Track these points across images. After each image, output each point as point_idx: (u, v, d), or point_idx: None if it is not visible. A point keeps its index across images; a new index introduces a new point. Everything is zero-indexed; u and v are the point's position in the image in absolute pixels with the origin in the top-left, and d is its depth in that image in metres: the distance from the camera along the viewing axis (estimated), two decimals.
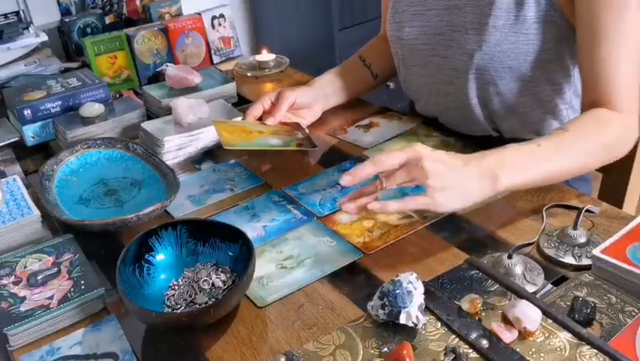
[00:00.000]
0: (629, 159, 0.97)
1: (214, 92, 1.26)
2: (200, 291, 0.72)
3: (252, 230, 0.84)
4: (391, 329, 0.62)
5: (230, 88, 1.29)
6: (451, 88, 1.03)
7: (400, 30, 1.06)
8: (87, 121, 1.13)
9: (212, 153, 1.08)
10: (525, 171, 0.78)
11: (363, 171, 0.75)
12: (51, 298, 0.72)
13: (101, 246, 0.85)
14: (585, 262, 0.71)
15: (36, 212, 0.86)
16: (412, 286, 0.62)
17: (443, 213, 0.79)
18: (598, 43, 0.84)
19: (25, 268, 0.78)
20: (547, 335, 0.59)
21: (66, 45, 1.60)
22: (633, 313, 0.62)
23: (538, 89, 0.97)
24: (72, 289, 0.74)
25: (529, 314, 0.59)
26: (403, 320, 0.61)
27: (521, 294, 0.64)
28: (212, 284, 0.72)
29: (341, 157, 1.02)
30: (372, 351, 0.60)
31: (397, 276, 0.64)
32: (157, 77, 1.43)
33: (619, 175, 1.05)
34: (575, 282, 0.67)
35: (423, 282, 0.65)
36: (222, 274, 0.74)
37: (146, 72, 1.43)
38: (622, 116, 0.85)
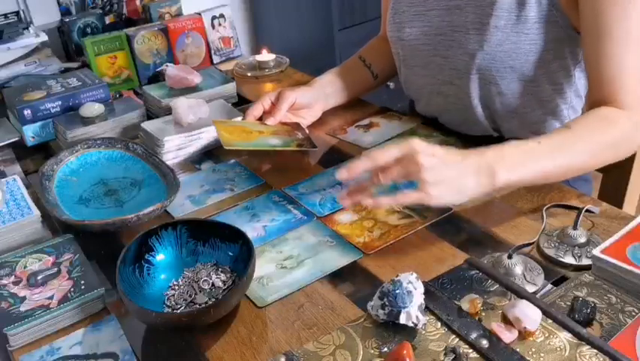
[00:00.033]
0: (629, 159, 0.96)
1: (214, 92, 1.26)
2: (200, 291, 0.72)
3: (252, 230, 0.84)
4: (391, 329, 0.62)
5: (230, 88, 1.29)
6: (452, 88, 1.03)
7: (400, 31, 1.06)
8: (87, 121, 1.13)
9: (212, 153, 1.08)
10: (524, 168, 0.78)
11: (358, 166, 0.75)
12: (51, 298, 0.72)
13: (101, 246, 0.85)
14: (585, 262, 0.71)
15: (36, 212, 0.86)
16: (412, 286, 0.62)
17: (438, 205, 0.79)
18: (603, 41, 0.84)
19: (25, 268, 0.78)
20: (547, 335, 0.59)
21: (66, 45, 1.60)
22: (633, 313, 0.62)
23: (539, 89, 0.97)
24: (72, 289, 0.74)
25: (529, 314, 0.59)
26: (403, 320, 0.61)
27: (521, 294, 0.64)
28: (212, 284, 0.72)
29: (341, 157, 1.02)
30: (372, 351, 0.60)
31: (397, 276, 0.64)
32: (157, 77, 1.43)
33: (619, 175, 1.05)
34: (575, 282, 0.67)
35: (423, 282, 0.65)
36: (222, 274, 0.74)
37: (146, 72, 1.43)
38: (629, 114, 0.84)
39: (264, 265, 0.77)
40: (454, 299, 0.65)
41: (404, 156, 0.74)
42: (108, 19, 1.63)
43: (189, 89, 1.25)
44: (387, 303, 0.62)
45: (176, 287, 0.73)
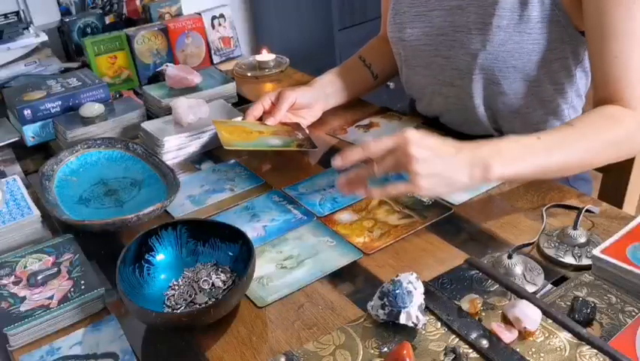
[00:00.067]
0: (629, 159, 0.96)
1: (214, 92, 1.26)
2: (200, 291, 0.72)
3: (252, 230, 0.84)
4: (391, 329, 0.62)
5: (230, 88, 1.29)
6: (453, 89, 1.03)
7: (401, 31, 1.06)
8: (87, 121, 1.13)
9: (212, 153, 1.08)
10: (520, 163, 0.78)
11: (352, 156, 0.77)
12: (51, 298, 0.72)
13: (101, 246, 0.85)
14: (585, 262, 0.71)
15: (36, 212, 0.86)
16: (412, 286, 0.62)
17: (428, 196, 0.80)
18: (608, 41, 0.84)
19: (25, 268, 0.78)
20: (547, 335, 0.59)
21: (66, 45, 1.60)
22: (633, 313, 0.62)
23: (540, 88, 0.97)
24: (72, 289, 0.74)
25: (529, 314, 0.59)
26: (403, 320, 0.61)
27: (521, 294, 0.64)
28: (212, 284, 0.72)
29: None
30: (372, 351, 0.60)
31: (397, 276, 0.64)
32: (157, 77, 1.43)
33: (619, 175, 1.05)
34: (575, 282, 0.67)
35: (423, 282, 0.65)
36: (222, 274, 0.74)
37: (146, 72, 1.43)
38: (635, 113, 0.84)
39: (264, 265, 0.77)
40: (454, 299, 0.65)
41: (396, 146, 0.74)
42: (108, 19, 1.63)
43: (189, 89, 1.25)
44: (387, 303, 0.62)
45: (176, 287, 0.73)
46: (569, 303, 0.64)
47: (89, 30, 1.56)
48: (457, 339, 0.60)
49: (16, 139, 1.19)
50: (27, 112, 1.14)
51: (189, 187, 0.96)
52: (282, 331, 0.67)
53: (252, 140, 1.02)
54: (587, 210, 0.79)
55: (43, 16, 1.59)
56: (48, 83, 1.23)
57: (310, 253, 0.79)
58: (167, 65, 1.34)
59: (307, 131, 1.09)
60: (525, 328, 0.59)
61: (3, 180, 0.95)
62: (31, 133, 1.15)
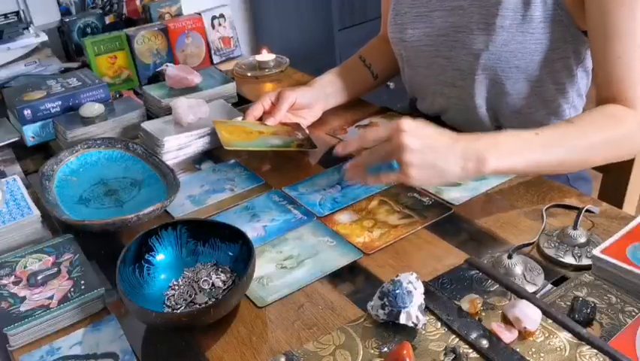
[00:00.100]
0: (629, 159, 0.96)
1: (214, 92, 1.26)
2: (200, 291, 0.72)
3: (252, 230, 0.84)
4: (391, 329, 0.62)
5: (230, 88, 1.29)
6: (455, 89, 1.03)
7: (402, 32, 1.06)
8: (87, 121, 1.13)
9: (212, 153, 1.08)
10: (516, 157, 0.78)
11: (352, 145, 0.80)
12: (51, 298, 0.72)
13: (101, 246, 0.85)
14: (585, 262, 0.71)
15: (36, 212, 0.86)
16: (412, 286, 0.62)
17: (418, 186, 0.83)
18: (611, 41, 0.84)
19: (25, 268, 0.78)
20: (547, 335, 0.59)
21: (66, 45, 1.60)
22: (633, 313, 0.62)
23: (542, 88, 0.97)
24: (72, 289, 0.74)
25: (529, 314, 0.59)
26: (403, 320, 0.61)
27: (521, 294, 0.64)
28: (212, 284, 0.72)
29: (341, 157, 1.02)
30: (372, 351, 0.60)
31: (397, 276, 0.64)
32: (157, 77, 1.43)
33: (619, 175, 1.05)
34: (575, 282, 0.67)
35: (423, 282, 0.65)
36: (222, 274, 0.74)
37: (146, 72, 1.43)
38: (636, 113, 0.84)
39: (264, 265, 0.77)
40: (454, 299, 0.65)
41: (390, 135, 0.74)
42: (108, 19, 1.63)
43: (189, 89, 1.25)
44: (387, 303, 0.62)
45: (176, 287, 0.73)
46: (569, 303, 0.64)
47: (89, 30, 1.56)
48: (457, 339, 0.60)
49: (16, 139, 1.19)
50: (27, 112, 1.14)
51: (189, 187, 0.96)
52: (282, 331, 0.67)
53: (252, 140, 1.02)
54: (587, 210, 0.79)
55: (43, 16, 1.59)
56: (48, 83, 1.23)
57: (310, 253, 0.79)
58: (167, 65, 1.34)
59: (307, 131, 1.09)
60: (525, 328, 0.59)
61: (3, 180, 0.95)
62: (31, 133, 1.15)
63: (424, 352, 0.59)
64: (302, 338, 0.66)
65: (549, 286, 0.69)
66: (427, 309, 0.64)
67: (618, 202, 1.05)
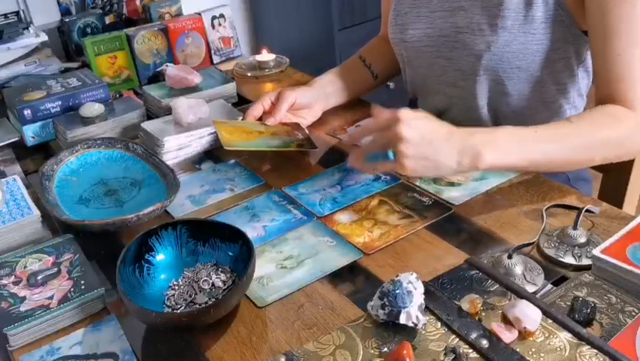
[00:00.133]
0: (629, 159, 0.96)
1: (214, 92, 1.26)
2: (200, 291, 0.72)
3: (252, 230, 0.84)
4: (391, 329, 0.62)
5: (230, 88, 1.29)
6: (457, 89, 1.03)
7: (402, 32, 1.06)
8: (87, 121, 1.13)
9: (212, 153, 1.08)
10: (512, 154, 0.78)
11: (357, 135, 0.81)
12: (51, 298, 0.72)
13: (101, 246, 0.85)
14: (585, 262, 0.71)
15: (36, 212, 0.86)
16: (412, 286, 0.62)
17: (412, 176, 0.84)
18: (611, 40, 0.84)
19: (25, 268, 0.78)
20: (547, 335, 0.59)
21: (66, 45, 1.60)
22: (633, 313, 0.62)
23: (544, 89, 0.97)
24: (72, 289, 0.74)
25: (529, 314, 0.59)
26: (403, 320, 0.61)
27: (521, 294, 0.64)
28: (212, 284, 0.72)
29: (341, 157, 1.02)
30: (372, 351, 0.60)
31: (397, 276, 0.64)
32: (157, 77, 1.43)
33: (619, 175, 1.05)
34: (575, 282, 0.67)
35: (423, 282, 0.65)
36: (222, 274, 0.74)
37: (146, 72, 1.43)
38: (636, 113, 0.84)
39: (264, 265, 0.77)
40: (454, 299, 0.65)
41: (389, 124, 0.75)
42: (108, 19, 1.63)
43: (189, 89, 1.25)
44: (387, 303, 0.62)
45: (176, 287, 0.73)
46: (569, 303, 0.64)
47: (89, 30, 1.56)
48: (457, 339, 0.60)
49: (16, 139, 1.19)
50: (27, 112, 1.14)
51: (189, 187, 0.96)
52: (282, 331, 0.67)
53: (252, 140, 1.02)
54: (587, 210, 0.79)
55: (43, 16, 1.59)
56: (48, 83, 1.23)
57: (310, 253, 0.79)
58: (167, 65, 1.34)
59: (307, 131, 1.09)
60: (525, 328, 0.59)
61: (3, 180, 0.95)
62: (31, 133, 1.15)
63: (424, 352, 0.59)
64: (302, 338, 0.66)
65: (549, 286, 0.69)
66: (427, 309, 0.64)
67: (618, 202, 1.05)
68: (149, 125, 1.09)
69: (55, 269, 0.77)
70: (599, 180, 1.09)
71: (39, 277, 0.76)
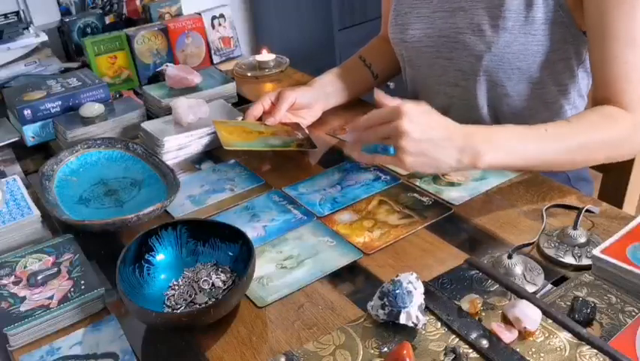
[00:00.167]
0: (629, 159, 0.97)
1: (214, 92, 1.26)
2: (200, 291, 0.72)
3: (252, 230, 0.84)
4: (391, 329, 0.62)
5: (230, 88, 1.29)
6: (457, 90, 1.03)
7: (403, 32, 1.06)
8: (87, 121, 1.13)
9: (212, 153, 1.08)
10: (511, 154, 0.79)
11: (357, 125, 0.80)
12: (51, 298, 0.72)
13: (101, 246, 0.85)
14: (585, 262, 0.71)
15: (36, 212, 0.86)
16: (412, 286, 0.62)
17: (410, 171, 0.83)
18: (608, 42, 0.84)
19: (25, 268, 0.78)
20: (547, 335, 0.59)
21: (66, 45, 1.60)
22: (633, 313, 0.62)
23: (544, 90, 0.97)
24: (72, 289, 0.74)
25: (529, 314, 0.59)
26: (403, 320, 0.61)
27: (521, 294, 0.64)
28: (212, 284, 0.72)
29: (341, 157, 1.02)
30: (372, 351, 0.60)
31: (397, 276, 0.64)
32: (157, 77, 1.43)
33: (619, 175, 1.05)
34: (575, 282, 0.67)
35: (423, 282, 0.65)
36: (222, 274, 0.74)
37: (146, 72, 1.43)
38: (632, 115, 0.85)
39: (264, 265, 0.77)
40: (454, 299, 0.65)
41: (392, 117, 0.75)
42: (108, 19, 1.63)
43: (189, 89, 1.25)
44: (387, 303, 0.62)
45: (176, 287, 0.73)
46: (569, 303, 0.64)
47: (89, 30, 1.56)
48: (457, 339, 0.60)
49: (16, 139, 1.19)
50: (27, 112, 1.14)
51: (189, 187, 0.96)
52: (282, 331, 0.67)
53: (251, 140, 1.02)
54: (587, 210, 0.79)
55: (43, 16, 1.59)
56: (48, 83, 1.23)
57: (310, 253, 0.79)
58: (167, 65, 1.34)
59: (307, 131, 1.09)
60: (525, 328, 0.59)
61: (3, 180, 0.95)
62: (31, 133, 1.15)
63: (424, 352, 0.59)
64: (302, 338, 0.66)
65: (549, 286, 0.69)
66: (427, 309, 0.64)
67: (618, 202, 1.05)
68: (149, 125, 1.09)
69: (55, 269, 0.77)
70: (599, 180, 1.09)
71: (39, 277, 0.76)
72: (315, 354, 0.61)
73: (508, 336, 0.59)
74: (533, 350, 0.58)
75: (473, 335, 0.60)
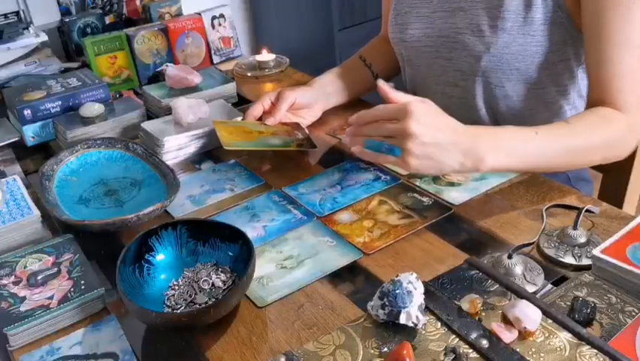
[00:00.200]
0: (629, 159, 0.96)
1: (214, 92, 1.26)
2: (200, 291, 0.72)
3: (252, 230, 0.84)
4: (391, 329, 0.62)
5: (230, 88, 1.29)
6: (456, 90, 1.03)
7: (402, 32, 1.06)
8: (87, 121, 1.13)
9: (212, 153, 1.08)
10: (513, 157, 0.79)
11: (362, 119, 0.80)
12: (51, 298, 0.72)
13: (101, 246, 0.85)
14: (585, 262, 0.71)
15: (36, 212, 0.86)
16: (412, 286, 0.62)
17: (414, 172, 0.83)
18: (604, 43, 0.84)
19: (25, 268, 0.78)
20: (547, 335, 0.59)
21: (66, 45, 1.60)
22: (633, 313, 0.62)
23: (544, 90, 0.97)
24: (72, 289, 0.74)
25: (529, 314, 0.59)
26: (403, 320, 0.61)
27: (521, 294, 0.64)
28: (212, 284, 0.72)
29: (341, 157, 1.02)
30: (372, 351, 0.60)
31: (397, 276, 0.64)
32: (157, 77, 1.43)
33: (619, 175, 1.05)
34: (575, 282, 0.67)
35: (423, 282, 0.65)
36: (222, 274, 0.74)
37: (146, 72, 1.43)
38: (626, 116, 0.85)
39: (264, 265, 0.77)
40: (454, 299, 0.65)
41: (399, 116, 0.75)
42: (108, 19, 1.63)
43: (189, 89, 1.25)
44: (387, 303, 0.62)
45: (176, 287, 0.73)
46: (569, 303, 0.64)
47: (89, 30, 1.56)
48: (457, 339, 0.60)
49: (16, 139, 1.19)
50: (27, 112, 1.14)
51: (189, 187, 0.96)
52: (282, 331, 0.67)
53: (251, 140, 1.02)
54: (587, 210, 0.79)
55: (43, 16, 1.59)
56: (48, 83, 1.23)
57: (310, 253, 0.79)
58: (167, 65, 1.34)
59: (307, 131, 1.09)
60: (525, 328, 0.59)
61: (3, 180, 0.95)
62: (31, 133, 1.15)
63: (424, 352, 0.59)
64: (302, 338, 0.66)
65: (549, 286, 0.69)
66: (427, 309, 0.64)
67: (618, 202, 1.05)
68: (149, 125, 1.09)
69: (55, 269, 0.77)
70: (599, 180, 1.09)
71: (39, 277, 0.76)
72: (315, 354, 0.61)
73: (508, 336, 0.59)
74: (533, 350, 0.58)
75: (473, 335, 0.60)
